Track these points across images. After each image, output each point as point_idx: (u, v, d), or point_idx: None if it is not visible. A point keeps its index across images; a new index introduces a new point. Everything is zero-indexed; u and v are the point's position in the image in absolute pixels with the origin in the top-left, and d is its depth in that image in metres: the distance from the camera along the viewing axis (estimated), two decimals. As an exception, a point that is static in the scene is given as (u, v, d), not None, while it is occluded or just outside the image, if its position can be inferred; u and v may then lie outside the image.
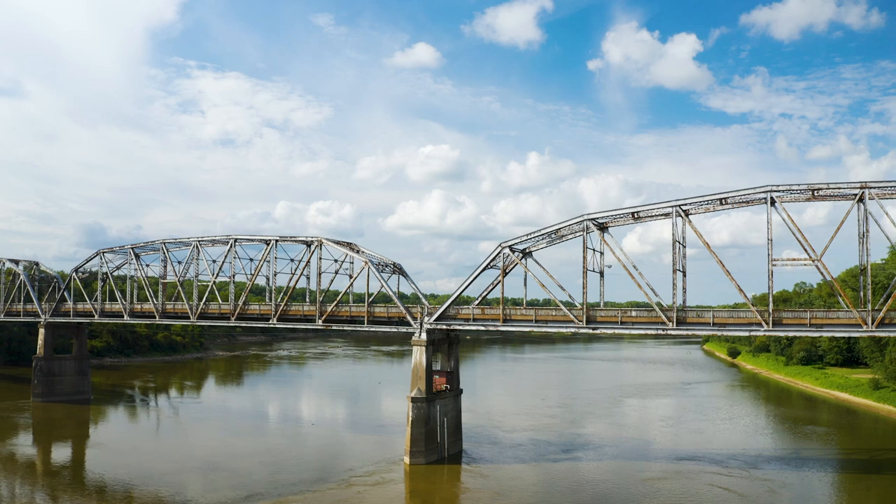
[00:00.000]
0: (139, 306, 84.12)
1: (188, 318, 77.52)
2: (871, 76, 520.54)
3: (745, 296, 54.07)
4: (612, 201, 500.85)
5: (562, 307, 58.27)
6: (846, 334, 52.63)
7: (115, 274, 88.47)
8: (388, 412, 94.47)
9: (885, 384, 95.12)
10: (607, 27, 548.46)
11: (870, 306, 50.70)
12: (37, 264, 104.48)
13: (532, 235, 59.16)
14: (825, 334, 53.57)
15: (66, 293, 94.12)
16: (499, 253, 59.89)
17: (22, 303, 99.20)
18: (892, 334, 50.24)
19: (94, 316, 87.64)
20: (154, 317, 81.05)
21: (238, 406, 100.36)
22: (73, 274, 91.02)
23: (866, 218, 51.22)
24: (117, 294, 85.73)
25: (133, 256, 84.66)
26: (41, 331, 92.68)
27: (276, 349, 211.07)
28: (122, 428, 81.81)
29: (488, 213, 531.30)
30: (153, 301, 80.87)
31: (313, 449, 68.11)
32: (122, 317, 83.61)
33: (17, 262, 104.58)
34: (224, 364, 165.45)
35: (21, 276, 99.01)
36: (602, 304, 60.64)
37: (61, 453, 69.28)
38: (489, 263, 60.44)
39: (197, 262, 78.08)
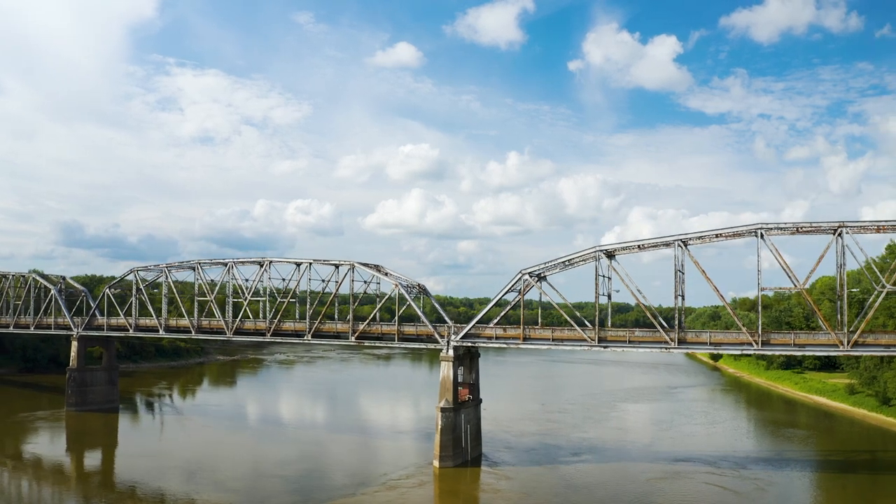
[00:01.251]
0: (174, 322, 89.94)
1: (224, 333, 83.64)
2: (849, 77, 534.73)
3: (738, 320, 61.60)
4: (590, 201, 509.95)
5: (576, 328, 65.48)
6: (825, 353, 60.53)
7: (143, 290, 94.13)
8: (402, 418, 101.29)
9: (859, 389, 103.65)
10: (588, 28, 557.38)
11: (846, 329, 58.44)
12: (63, 279, 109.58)
13: (549, 263, 66.31)
14: (807, 353, 61.36)
15: (93, 306, 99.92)
16: (519, 279, 66.97)
17: (53, 316, 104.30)
18: (864, 353, 58.09)
19: (128, 330, 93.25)
20: (190, 332, 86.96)
21: (256, 411, 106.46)
22: (107, 290, 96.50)
23: (843, 251, 58.94)
24: (151, 309, 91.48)
25: (167, 274, 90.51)
26: (74, 344, 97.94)
27: (273, 353, 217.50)
28: (154, 435, 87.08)
29: (468, 213, 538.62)
30: (188, 317, 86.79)
31: (346, 455, 74.54)
32: (158, 331, 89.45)
33: (45, 276, 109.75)
34: (229, 368, 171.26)
35: (52, 291, 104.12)
36: (609, 323, 67.86)
37: (96, 460, 74.96)
38: (510, 287, 67.50)
39: (231, 281, 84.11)
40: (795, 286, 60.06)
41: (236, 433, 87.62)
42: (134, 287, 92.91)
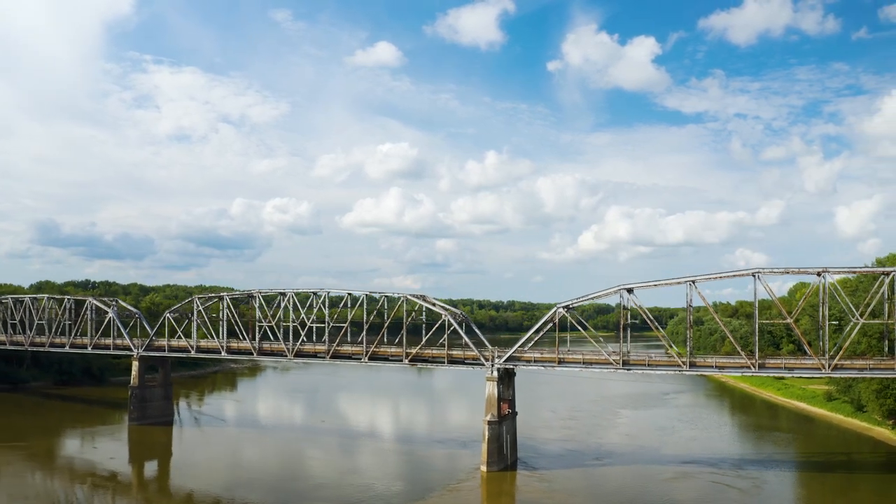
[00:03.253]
0: (236, 344, 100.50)
1: (285, 355, 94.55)
2: (825, 78, 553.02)
3: (737, 345, 74.26)
4: (568, 200, 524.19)
5: (603, 353, 77.67)
6: (810, 376, 73.46)
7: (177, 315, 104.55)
8: (437, 426, 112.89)
9: (836, 396, 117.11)
10: (567, 29, 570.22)
11: (827, 355, 71.25)
12: (116, 301, 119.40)
13: (581, 299, 78.40)
14: (795, 375, 74.21)
15: (146, 326, 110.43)
16: (555, 312, 78.99)
17: (112, 337, 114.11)
18: (842, 375, 71.04)
19: (189, 351, 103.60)
20: (251, 353, 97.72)
21: (291, 418, 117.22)
22: (167, 314, 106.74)
23: (825, 290, 71.70)
24: (211, 332, 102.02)
25: (228, 301, 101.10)
26: (134, 363, 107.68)
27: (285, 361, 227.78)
28: (207, 445, 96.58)
29: (446, 211, 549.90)
30: (249, 340, 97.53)
31: (401, 463, 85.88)
32: (220, 353, 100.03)
33: (102, 299, 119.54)
34: (248, 375, 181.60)
35: (110, 314, 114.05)
36: (629, 347, 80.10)
37: (155, 469, 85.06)
38: (548, 319, 79.49)
39: (289, 308, 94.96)
40: (785, 318, 72.77)
41: (290, 443, 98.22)
42: (195, 311, 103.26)
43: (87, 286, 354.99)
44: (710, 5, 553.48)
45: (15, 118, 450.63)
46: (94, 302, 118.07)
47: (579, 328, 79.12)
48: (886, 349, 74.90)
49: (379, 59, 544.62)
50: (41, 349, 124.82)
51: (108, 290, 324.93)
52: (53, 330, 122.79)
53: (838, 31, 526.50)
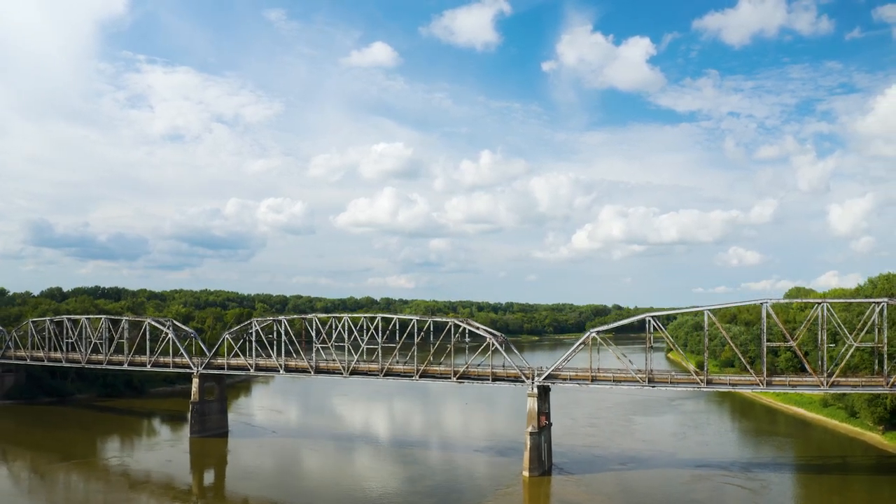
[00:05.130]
0: (294, 363, 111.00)
1: (341, 373, 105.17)
2: (819, 76, 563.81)
3: (749, 367, 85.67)
4: (562, 199, 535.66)
5: (630, 371, 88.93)
6: (810, 391, 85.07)
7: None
8: (471, 435, 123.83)
9: (831, 402, 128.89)
10: (563, 30, 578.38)
11: (825, 373, 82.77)
12: (173, 322, 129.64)
13: (612, 326, 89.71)
14: (798, 391, 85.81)
15: (201, 345, 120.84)
16: (589, 335, 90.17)
17: (171, 356, 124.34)
18: (838, 391, 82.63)
19: (248, 370, 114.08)
20: (308, 372, 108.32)
21: (333, 427, 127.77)
22: (226, 335, 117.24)
23: (824, 317, 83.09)
24: (270, 352, 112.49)
25: (284, 323, 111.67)
26: (195, 380, 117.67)
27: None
28: (262, 454, 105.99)
29: (440, 211, 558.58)
30: (307, 360, 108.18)
31: (449, 471, 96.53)
32: (278, 371, 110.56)
33: (158, 319, 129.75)
34: (262, 382, 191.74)
35: (169, 335, 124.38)
36: (651, 368, 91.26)
37: (213, 477, 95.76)
38: (582, 342, 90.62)
39: (346, 331, 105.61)
40: (789, 340, 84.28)
41: (337, 451, 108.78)
42: (253, 332, 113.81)
43: (97, 294, 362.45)
44: (705, 6, 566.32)
45: (8, 118, 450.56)
46: (152, 322, 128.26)
47: (608, 348, 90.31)
48: (877, 365, 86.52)
49: (375, 60, 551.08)
50: (98, 367, 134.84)
51: (116, 294, 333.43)
52: (111, 349, 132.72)
53: (832, 31, 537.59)
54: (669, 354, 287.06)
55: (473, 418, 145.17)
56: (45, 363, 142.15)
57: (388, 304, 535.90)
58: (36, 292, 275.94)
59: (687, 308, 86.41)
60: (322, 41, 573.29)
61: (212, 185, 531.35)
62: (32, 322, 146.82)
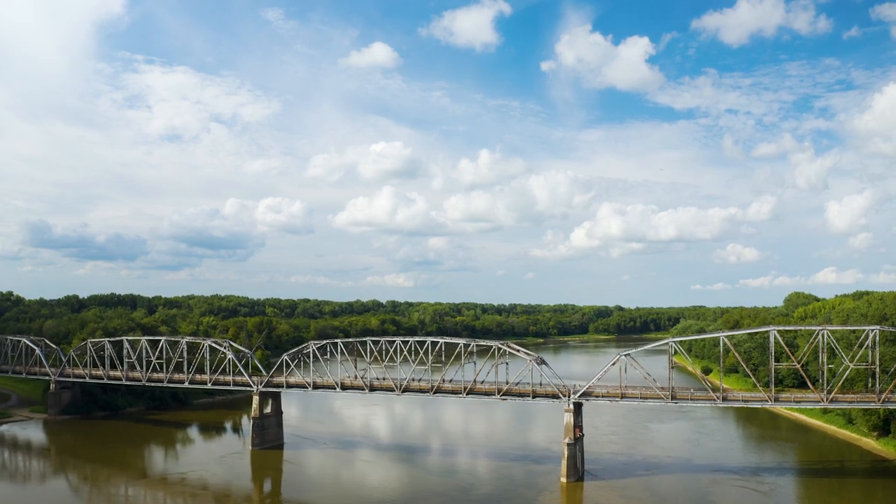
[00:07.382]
0: (349, 381, 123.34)
1: (394, 391, 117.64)
2: (816, 73, 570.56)
3: (759, 385, 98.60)
4: (561, 197, 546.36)
5: (654, 388, 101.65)
6: (813, 406, 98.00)
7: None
8: (506, 445, 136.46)
9: (830, 409, 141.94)
10: (561, 30, 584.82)
11: (825, 391, 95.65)
12: (231, 342, 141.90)
13: (639, 349, 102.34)
14: (801, 406, 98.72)
15: (257, 364, 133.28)
16: (618, 357, 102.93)
17: (231, 374, 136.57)
18: (837, 406, 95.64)
19: (307, 388, 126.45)
20: (363, 390, 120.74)
21: (378, 438, 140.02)
22: (285, 356, 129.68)
23: (825, 341, 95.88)
24: (326, 370, 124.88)
25: (341, 345, 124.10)
26: (255, 398, 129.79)
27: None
28: (317, 465, 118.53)
29: (438, 210, 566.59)
30: (361, 378, 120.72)
31: (493, 478, 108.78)
32: (335, 389, 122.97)
33: (216, 340, 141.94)
34: (302, 396, 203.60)
35: (228, 355, 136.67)
36: (671, 385, 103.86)
37: (271, 485, 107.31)
38: (613, 363, 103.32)
39: (398, 353, 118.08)
40: (794, 361, 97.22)
41: (391, 462, 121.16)
42: (311, 354, 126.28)
43: (113, 301, 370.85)
44: (703, 6, 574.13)
45: (5, 118, 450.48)
46: (211, 344, 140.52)
47: (636, 369, 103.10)
48: (870, 382, 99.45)
49: (374, 60, 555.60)
50: (159, 385, 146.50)
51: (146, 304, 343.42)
52: (171, 368, 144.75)
53: (829, 30, 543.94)
54: (674, 357, 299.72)
55: (504, 428, 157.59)
56: (105, 381, 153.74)
57: (395, 307, 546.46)
58: (36, 293, 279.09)
59: (708, 335, 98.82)
60: (320, 41, 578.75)
61: (210, 185, 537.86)
62: (91, 343, 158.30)
